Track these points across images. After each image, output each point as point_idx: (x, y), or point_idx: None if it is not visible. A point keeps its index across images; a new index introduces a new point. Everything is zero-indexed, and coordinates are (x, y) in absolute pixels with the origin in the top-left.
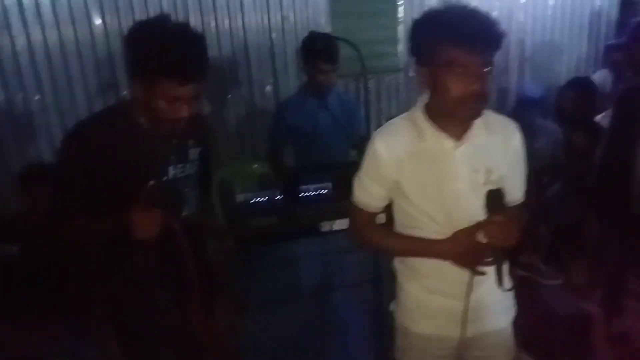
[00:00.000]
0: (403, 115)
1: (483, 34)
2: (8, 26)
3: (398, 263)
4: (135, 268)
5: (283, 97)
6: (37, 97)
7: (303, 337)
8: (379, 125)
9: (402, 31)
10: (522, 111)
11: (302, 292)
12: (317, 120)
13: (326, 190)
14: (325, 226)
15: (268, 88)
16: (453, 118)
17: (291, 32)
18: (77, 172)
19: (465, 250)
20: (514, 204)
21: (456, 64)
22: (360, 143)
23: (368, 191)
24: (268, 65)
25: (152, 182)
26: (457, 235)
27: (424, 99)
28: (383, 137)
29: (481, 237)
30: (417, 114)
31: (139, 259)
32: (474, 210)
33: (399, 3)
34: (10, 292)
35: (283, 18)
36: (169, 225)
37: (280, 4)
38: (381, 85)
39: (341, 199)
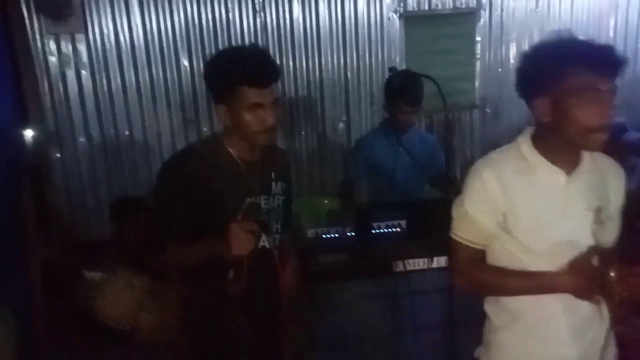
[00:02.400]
0: (503, 147)
1: (610, 58)
2: (106, 67)
3: (491, 305)
4: (227, 292)
5: (355, 134)
6: (126, 133)
7: None
8: (459, 162)
9: (479, 68)
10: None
11: (371, 334)
12: (394, 158)
13: (400, 228)
14: (398, 265)
15: (341, 125)
16: (572, 149)
17: (366, 70)
18: (175, 201)
19: (587, 279)
20: (609, 248)
21: (589, 90)
22: (438, 180)
23: (475, 224)
24: (342, 103)
25: (249, 200)
26: (575, 263)
27: (529, 131)
28: (490, 165)
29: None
30: (524, 146)
31: (234, 279)
32: (580, 249)
33: (476, 40)
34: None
35: (359, 57)
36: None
37: (357, 43)
38: (457, 122)
39: (415, 237)
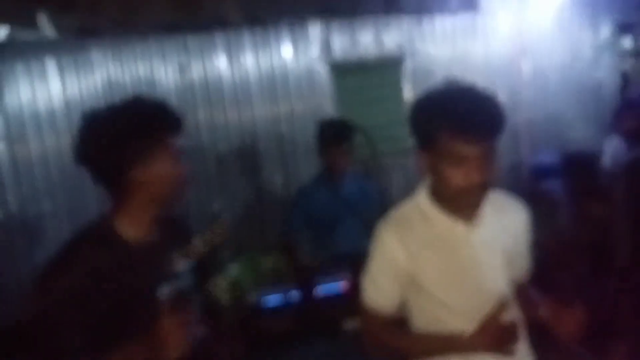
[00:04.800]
0: (405, 202)
1: (482, 123)
2: (24, 136)
3: None
4: None
5: (293, 185)
6: (48, 204)
7: None
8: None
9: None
10: (537, 181)
11: None
12: (334, 207)
13: (346, 284)
14: (347, 324)
15: (278, 178)
16: (455, 206)
17: (299, 122)
18: (67, 316)
19: (497, 335)
20: (522, 282)
21: (454, 156)
22: None
23: (381, 290)
24: (277, 155)
25: (171, 287)
26: (484, 323)
27: (427, 181)
28: (390, 226)
29: (508, 317)
30: (421, 198)
31: None
32: (496, 296)
33: (403, 87)
34: None
35: (291, 107)
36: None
37: (287, 94)
38: (393, 168)
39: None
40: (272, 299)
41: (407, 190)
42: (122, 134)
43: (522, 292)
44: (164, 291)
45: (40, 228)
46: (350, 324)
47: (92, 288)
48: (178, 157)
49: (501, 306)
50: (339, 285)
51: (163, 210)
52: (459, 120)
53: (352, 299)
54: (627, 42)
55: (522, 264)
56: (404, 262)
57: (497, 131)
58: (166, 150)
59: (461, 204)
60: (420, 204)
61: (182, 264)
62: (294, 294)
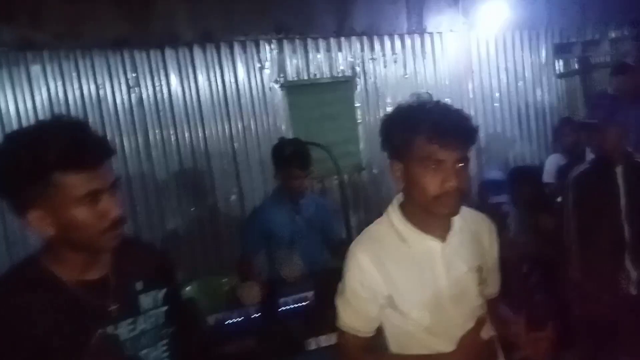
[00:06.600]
0: (378, 219)
1: (458, 129)
2: None
3: None
4: None
5: (248, 205)
6: None
7: None
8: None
9: (361, 131)
10: (486, 195)
11: None
12: (291, 226)
13: (308, 302)
14: (311, 343)
15: (232, 197)
16: (431, 215)
17: (253, 140)
18: None
19: (476, 353)
20: (494, 297)
21: (431, 160)
22: (339, 247)
23: (358, 312)
24: (231, 174)
25: (100, 331)
26: (463, 341)
27: (398, 198)
28: (364, 247)
29: (485, 334)
30: (394, 216)
31: None
32: (472, 314)
33: (356, 105)
34: None
35: (244, 127)
36: None
37: (240, 113)
38: (347, 185)
39: (325, 310)
40: (233, 322)
41: (362, 206)
42: (8, 167)
43: (495, 309)
44: (95, 337)
45: None
46: (315, 343)
47: (15, 331)
48: (94, 197)
49: (479, 323)
50: (302, 303)
51: (100, 252)
52: (435, 125)
53: (315, 317)
54: (565, 63)
55: (493, 279)
56: (380, 284)
57: (470, 140)
58: (65, 190)
59: (437, 211)
60: (394, 223)
61: (145, 300)
62: (255, 316)
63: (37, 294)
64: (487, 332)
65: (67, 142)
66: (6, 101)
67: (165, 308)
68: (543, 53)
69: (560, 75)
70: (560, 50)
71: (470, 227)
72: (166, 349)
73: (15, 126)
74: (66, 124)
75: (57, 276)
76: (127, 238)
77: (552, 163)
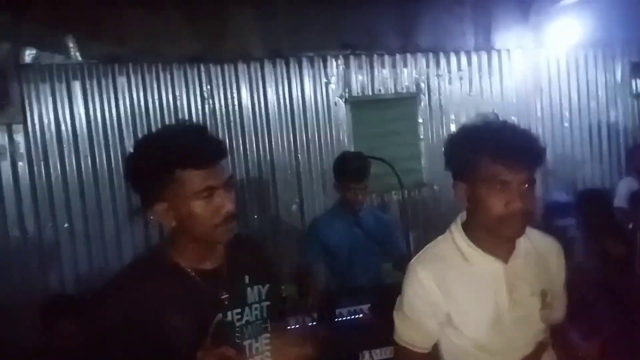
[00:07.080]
0: (441, 237)
1: (524, 150)
2: (45, 157)
3: None
4: None
5: (309, 216)
6: (65, 225)
7: None
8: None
9: (423, 148)
10: (552, 218)
11: None
12: (350, 239)
13: (364, 314)
14: (365, 356)
15: (294, 207)
16: (495, 236)
17: (316, 153)
18: (123, 339)
19: None
20: (559, 323)
21: (496, 181)
22: (401, 262)
23: (417, 327)
24: (294, 185)
25: (218, 318)
26: None
27: (462, 217)
28: (426, 263)
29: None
30: (457, 235)
31: None
32: (533, 338)
33: (419, 121)
34: None
35: (308, 140)
36: None
37: (306, 127)
38: (408, 201)
39: (381, 323)
40: (290, 329)
41: (422, 223)
42: (141, 165)
43: (560, 335)
44: (215, 322)
45: (56, 248)
46: (369, 355)
47: (144, 316)
48: (210, 193)
49: (540, 348)
50: (358, 315)
51: (215, 244)
52: (500, 146)
53: (371, 330)
54: None
55: (559, 304)
56: (440, 301)
57: (537, 161)
58: (185, 185)
59: (502, 233)
60: (457, 243)
61: (251, 293)
62: (312, 324)
63: (163, 281)
64: (549, 358)
65: (188, 143)
66: (94, 109)
67: (267, 303)
68: (618, 72)
69: (637, 96)
70: (637, 69)
71: (537, 249)
72: (268, 343)
73: (102, 131)
74: (188, 128)
75: (179, 265)
76: (239, 234)
77: (624, 187)
